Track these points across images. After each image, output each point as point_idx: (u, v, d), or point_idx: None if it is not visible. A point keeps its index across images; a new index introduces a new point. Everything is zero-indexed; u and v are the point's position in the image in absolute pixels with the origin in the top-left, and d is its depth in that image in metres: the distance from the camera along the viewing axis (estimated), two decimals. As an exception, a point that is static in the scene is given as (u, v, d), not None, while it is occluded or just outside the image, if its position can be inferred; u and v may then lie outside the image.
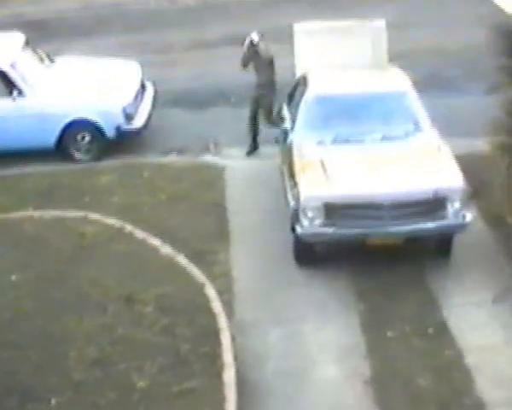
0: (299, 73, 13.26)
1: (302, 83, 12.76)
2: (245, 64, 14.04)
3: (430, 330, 9.96)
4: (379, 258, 10.96)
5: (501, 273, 10.77)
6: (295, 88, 13.09)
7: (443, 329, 9.99)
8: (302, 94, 12.44)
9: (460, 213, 10.69)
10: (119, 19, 20.91)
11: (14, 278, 10.83)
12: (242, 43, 14.02)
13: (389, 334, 9.97)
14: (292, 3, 20.60)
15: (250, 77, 14.22)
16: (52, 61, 15.37)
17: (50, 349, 9.57)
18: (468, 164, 11.38)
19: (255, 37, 13.88)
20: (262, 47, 13.92)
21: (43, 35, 18.34)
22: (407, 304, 10.41)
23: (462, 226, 10.82)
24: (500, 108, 11.17)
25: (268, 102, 13.99)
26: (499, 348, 9.65)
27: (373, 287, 10.71)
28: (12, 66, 14.26)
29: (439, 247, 11.28)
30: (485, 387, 9.13)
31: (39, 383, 9.10)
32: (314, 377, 9.45)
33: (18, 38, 15.18)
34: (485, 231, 11.60)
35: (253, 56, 13.89)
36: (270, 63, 13.91)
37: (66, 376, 9.17)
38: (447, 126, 11.96)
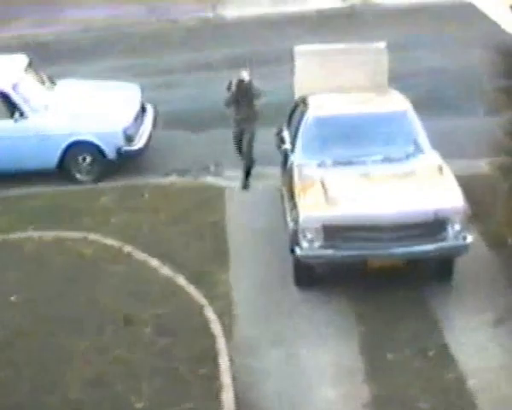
0: (298, 95, 13.19)
1: (302, 104, 12.68)
2: (230, 104, 13.71)
3: (431, 353, 9.77)
4: (379, 280, 10.81)
5: (502, 296, 10.61)
6: (295, 109, 13.01)
7: (444, 351, 9.81)
8: (302, 115, 12.35)
9: (460, 234, 10.55)
10: (120, 41, 20.94)
11: (13, 298, 10.77)
12: (228, 87, 13.56)
13: (389, 356, 9.79)
14: (292, 26, 20.63)
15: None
16: (54, 83, 15.36)
17: (48, 369, 9.51)
18: (468, 185, 11.25)
19: (246, 76, 13.40)
20: (253, 83, 13.53)
21: (45, 57, 18.32)
22: (407, 326, 10.24)
23: (462, 248, 10.67)
24: (500, 130, 11.06)
25: (251, 134, 13.67)
26: (501, 372, 9.45)
27: (373, 309, 10.56)
28: (14, 87, 14.26)
29: (441, 269, 11.11)
30: (487, 411, 8.99)
31: (36, 402, 9.02)
32: (313, 399, 9.28)
33: (20, 60, 15.21)
34: (486, 254, 11.44)
35: (245, 94, 13.48)
36: (256, 96, 13.64)
37: (64, 396, 9.09)
38: (447, 147, 11.86)
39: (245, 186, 13.68)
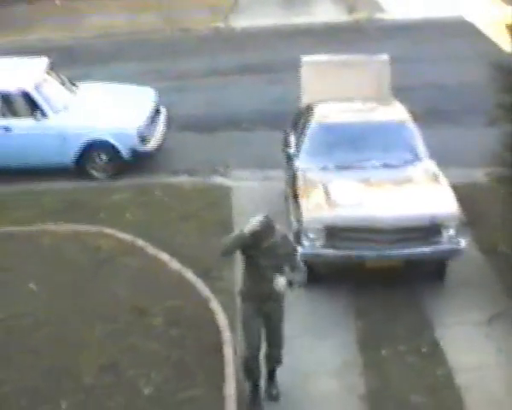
0: (305, 102, 13.21)
1: (307, 111, 12.71)
2: (231, 253, 8.82)
3: (423, 350, 9.81)
4: (378, 279, 10.82)
5: (493, 297, 10.62)
6: (300, 116, 13.04)
7: (436, 348, 9.83)
8: (307, 122, 12.38)
9: (454, 239, 10.60)
10: (137, 47, 21.00)
11: (31, 285, 10.79)
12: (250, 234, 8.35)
13: (384, 352, 9.81)
14: (300, 37, 20.65)
15: (258, 105, 13.92)
16: (74, 85, 15.42)
17: (63, 355, 9.55)
18: (464, 193, 11.30)
19: (256, 226, 8.31)
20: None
21: (67, 60, 18.41)
22: (402, 323, 10.27)
23: (456, 252, 10.72)
24: (498, 142, 11.09)
25: (279, 317, 8.97)
26: (489, 369, 9.46)
27: (371, 306, 10.57)
28: (36, 88, 14.31)
29: (434, 270, 11.14)
30: (474, 407, 8.95)
31: (51, 386, 9.07)
32: (311, 391, 9.29)
33: (42, 62, 15.26)
34: (479, 258, 11.42)
35: (267, 252, 8.49)
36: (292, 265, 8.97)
37: (77, 380, 9.14)
38: (445, 157, 11.87)
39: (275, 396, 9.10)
